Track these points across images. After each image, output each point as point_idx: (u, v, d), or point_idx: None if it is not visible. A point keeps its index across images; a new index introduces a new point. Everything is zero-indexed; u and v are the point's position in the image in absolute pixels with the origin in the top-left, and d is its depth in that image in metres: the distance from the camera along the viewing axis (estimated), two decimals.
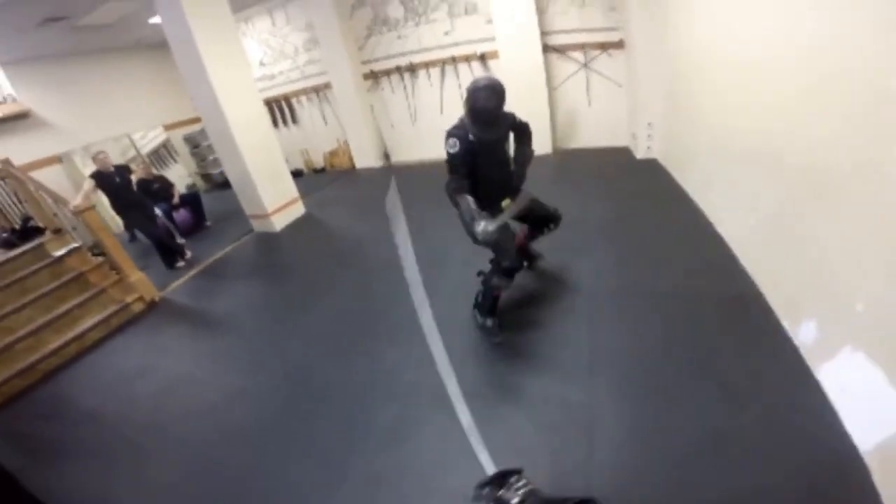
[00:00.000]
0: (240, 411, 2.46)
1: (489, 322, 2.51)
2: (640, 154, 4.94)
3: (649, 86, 4.49)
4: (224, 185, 7.62)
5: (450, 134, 2.17)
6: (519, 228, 2.94)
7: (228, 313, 3.59)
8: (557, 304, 2.74)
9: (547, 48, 5.20)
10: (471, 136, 2.13)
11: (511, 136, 2.43)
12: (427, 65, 5.92)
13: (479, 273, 2.55)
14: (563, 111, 5.56)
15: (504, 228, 2.35)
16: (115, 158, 6.63)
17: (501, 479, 0.87)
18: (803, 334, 2.03)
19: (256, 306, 3.68)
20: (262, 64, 7.15)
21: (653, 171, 4.58)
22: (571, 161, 5.39)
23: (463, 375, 2.29)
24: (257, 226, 5.11)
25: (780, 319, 2.23)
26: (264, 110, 5.06)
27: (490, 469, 0.88)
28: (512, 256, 2.35)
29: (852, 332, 1.70)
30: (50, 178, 5.36)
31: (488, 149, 2.17)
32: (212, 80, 4.23)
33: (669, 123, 4.39)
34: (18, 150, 5.39)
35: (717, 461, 1.64)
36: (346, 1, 6.00)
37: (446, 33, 5.66)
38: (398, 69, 6.11)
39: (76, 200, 3.76)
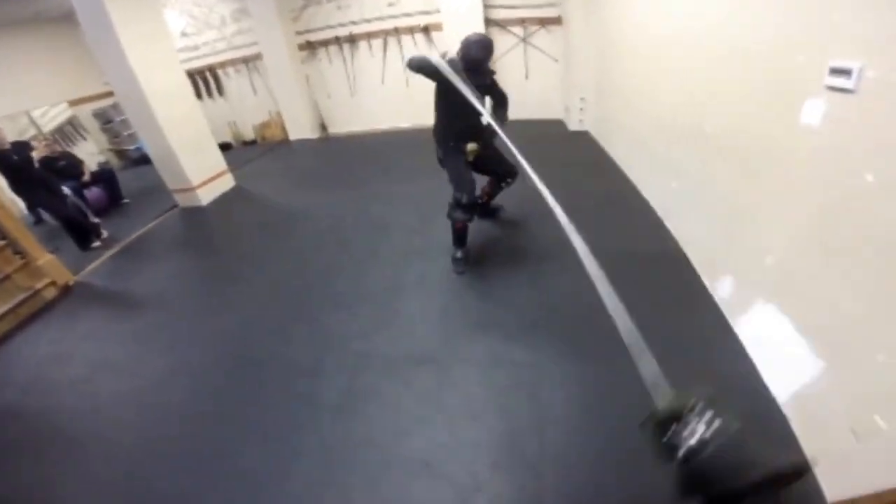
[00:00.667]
0: (174, 394, 2.26)
1: (458, 253, 2.81)
2: (572, 126, 5.19)
3: (583, 61, 4.70)
4: (141, 161, 7.01)
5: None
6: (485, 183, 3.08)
7: (154, 292, 3.32)
8: (503, 263, 2.84)
9: (489, 22, 5.25)
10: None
11: (488, 100, 2.65)
12: (369, 35, 5.76)
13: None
14: (502, 84, 5.65)
15: (462, 166, 2.66)
16: (13, 138, 5.85)
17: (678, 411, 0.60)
18: (721, 289, 2.22)
19: (185, 283, 3.43)
20: (184, 34, 6.57)
21: (585, 142, 4.83)
22: (509, 132, 5.50)
23: (413, 340, 2.33)
24: (182, 200, 4.75)
25: (701, 276, 2.43)
26: (185, 79, 4.65)
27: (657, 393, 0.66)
28: (468, 192, 2.60)
29: (763, 286, 1.85)
30: None
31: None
32: (125, 50, 3.82)
33: (600, 97, 4.63)
34: None
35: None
36: None
37: (390, 4, 5.53)
38: (337, 40, 5.88)
39: None
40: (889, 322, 1.19)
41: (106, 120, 7.16)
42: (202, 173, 4.68)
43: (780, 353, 1.68)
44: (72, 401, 2.37)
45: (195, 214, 4.61)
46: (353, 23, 5.75)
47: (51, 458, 2.04)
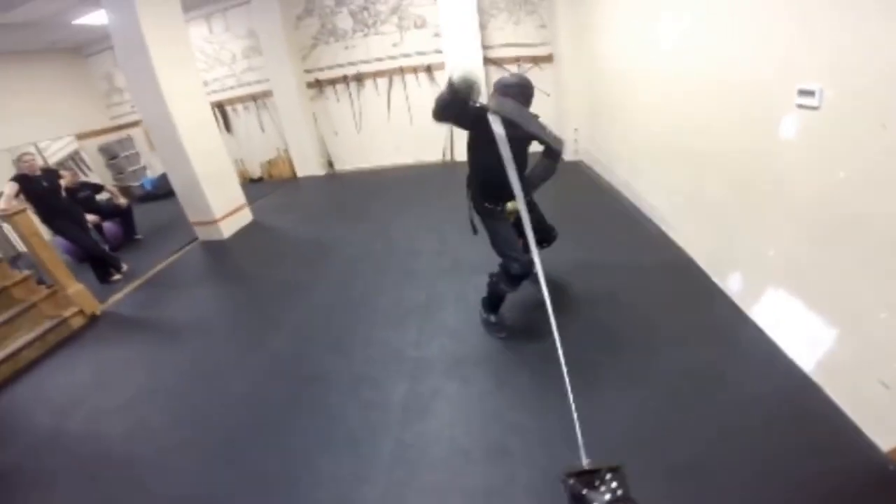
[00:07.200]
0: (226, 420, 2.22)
1: (492, 318, 2.57)
2: (567, 157, 5.60)
3: (575, 94, 5.20)
4: (146, 198, 7.13)
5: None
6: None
7: (192, 319, 3.38)
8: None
9: (487, 60, 5.73)
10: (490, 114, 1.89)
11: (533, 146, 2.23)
12: (375, 75, 6.15)
13: (490, 275, 2.45)
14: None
15: (507, 230, 2.33)
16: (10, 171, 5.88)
17: (592, 474, 0.82)
18: (732, 285, 2.48)
19: (224, 309, 3.51)
20: None
21: (580, 171, 5.26)
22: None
23: (464, 345, 2.49)
24: (202, 234, 4.84)
25: (711, 276, 2.70)
26: (209, 109, 4.88)
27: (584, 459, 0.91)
28: (520, 261, 2.22)
29: (770, 274, 2.12)
30: None
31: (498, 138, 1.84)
32: (160, 82, 4.04)
33: (593, 127, 5.07)
34: None
35: (690, 402, 1.86)
36: (292, 10, 6.06)
37: (395, 45, 5.98)
38: (345, 78, 6.25)
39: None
40: (880, 283, 1.47)
41: (111, 155, 7.26)
42: (224, 206, 4.81)
43: (798, 330, 1.91)
44: (110, 428, 2.32)
45: (217, 248, 4.69)
46: (362, 62, 6.15)
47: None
